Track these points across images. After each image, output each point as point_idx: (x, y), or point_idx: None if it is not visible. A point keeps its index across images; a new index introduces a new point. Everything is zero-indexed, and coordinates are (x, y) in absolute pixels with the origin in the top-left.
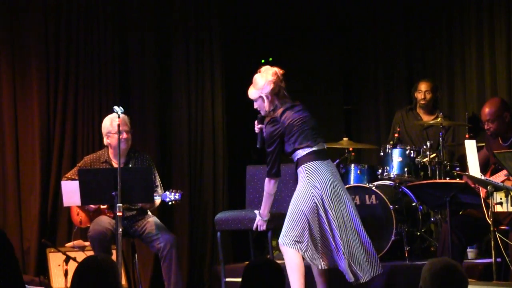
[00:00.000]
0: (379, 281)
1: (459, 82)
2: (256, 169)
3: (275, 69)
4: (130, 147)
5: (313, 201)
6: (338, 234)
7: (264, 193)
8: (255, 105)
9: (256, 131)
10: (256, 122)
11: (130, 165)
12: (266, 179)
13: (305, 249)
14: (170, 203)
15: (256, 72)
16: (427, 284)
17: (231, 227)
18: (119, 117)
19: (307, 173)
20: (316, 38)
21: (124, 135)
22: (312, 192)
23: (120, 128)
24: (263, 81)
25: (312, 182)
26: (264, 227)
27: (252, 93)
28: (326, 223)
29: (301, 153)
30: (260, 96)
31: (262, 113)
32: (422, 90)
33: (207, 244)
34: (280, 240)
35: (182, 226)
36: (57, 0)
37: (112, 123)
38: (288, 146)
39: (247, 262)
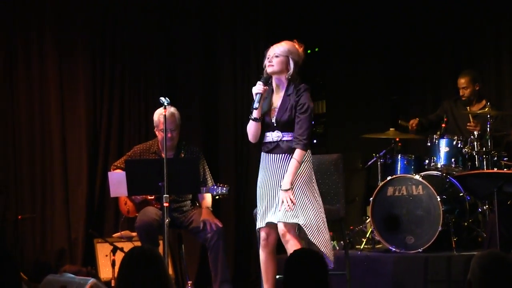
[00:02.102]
0: (426, 271)
1: (507, 70)
2: None
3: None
4: (179, 140)
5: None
6: None
7: (296, 163)
8: (274, 61)
9: (260, 92)
10: (261, 82)
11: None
12: (300, 151)
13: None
14: (217, 196)
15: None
16: (476, 278)
17: None
18: (165, 108)
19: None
20: (362, 28)
21: (169, 134)
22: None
23: (167, 126)
24: (295, 48)
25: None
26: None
27: (284, 49)
28: None
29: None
30: (288, 56)
31: (273, 69)
32: (460, 87)
33: (253, 236)
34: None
35: (228, 218)
36: None
37: (160, 118)
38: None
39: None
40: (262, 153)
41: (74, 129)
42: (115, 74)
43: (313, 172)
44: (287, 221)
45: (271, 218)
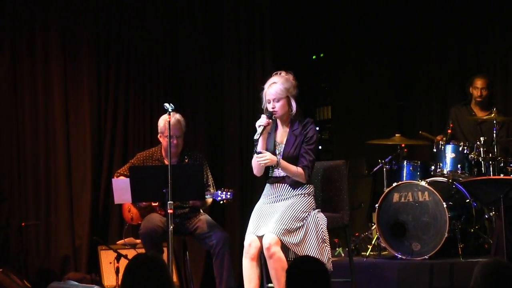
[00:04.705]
0: (432, 278)
1: None
2: None
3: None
4: (183, 146)
5: None
6: None
7: (294, 170)
8: (277, 106)
9: (264, 125)
10: (265, 116)
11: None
12: (304, 172)
13: None
14: (221, 202)
15: (279, 72)
16: (479, 286)
17: None
18: (169, 114)
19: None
20: (367, 33)
21: (174, 141)
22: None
23: (171, 132)
24: (289, 83)
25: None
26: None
27: (281, 91)
28: None
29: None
30: (288, 96)
31: (279, 114)
32: (478, 87)
33: None
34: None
35: (233, 225)
36: None
37: (165, 124)
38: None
39: None
40: (267, 184)
41: (78, 136)
42: (120, 79)
43: (315, 204)
44: (276, 235)
45: (262, 231)
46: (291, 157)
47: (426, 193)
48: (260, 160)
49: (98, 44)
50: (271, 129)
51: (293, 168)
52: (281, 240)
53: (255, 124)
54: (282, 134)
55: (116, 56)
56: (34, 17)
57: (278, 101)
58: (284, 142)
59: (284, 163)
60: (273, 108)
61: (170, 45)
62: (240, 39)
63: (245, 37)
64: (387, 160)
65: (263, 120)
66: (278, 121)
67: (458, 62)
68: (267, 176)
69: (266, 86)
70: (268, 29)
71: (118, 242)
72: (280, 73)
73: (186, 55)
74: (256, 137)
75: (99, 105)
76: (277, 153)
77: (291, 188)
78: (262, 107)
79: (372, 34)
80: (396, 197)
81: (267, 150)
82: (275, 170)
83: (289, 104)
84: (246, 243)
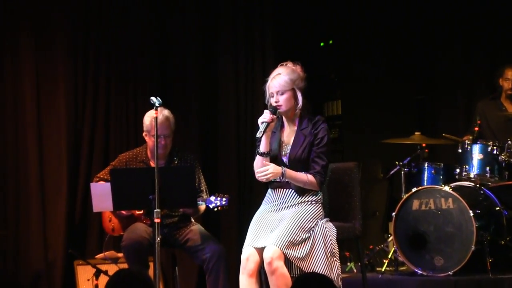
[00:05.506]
0: None
1: None
2: None
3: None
4: (172, 146)
5: None
6: None
7: (304, 178)
8: (281, 100)
9: (267, 121)
10: (269, 111)
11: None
12: (316, 179)
13: None
14: (215, 209)
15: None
16: None
17: None
18: (156, 109)
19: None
20: (383, 17)
21: (162, 141)
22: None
23: (159, 132)
24: (296, 74)
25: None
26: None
27: (286, 82)
28: None
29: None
30: (293, 88)
31: (283, 108)
32: (510, 78)
33: None
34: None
35: (229, 236)
36: None
37: (152, 122)
38: None
39: None
40: (269, 189)
41: (52, 132)
42: (100, 74)
43: (323, 213)
44: (278, 247)
45: (262, 242)
46: (299, 160)
47: (450, 199)
48: (261, 175)
49: (75, 36)
50: (276, 128)
51: (301, 176)
52: (284, 254)
53: (254, 121)
54: (288, 133)
55: (95, 47)
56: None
57: (282, 94)
58: (291, 143)
59: (290, 172)
60: (276, 102)
61: (157, 37)
62: (237, 26)
63: (243, 24)
64: (405, 162)
65: (266, 116)
66: (284, 119)
67: (486, 50)
68: (270, 181)
69: (270, 77)
70: (269, 13)
71: (97, 256)
72: (286, 64)
73: (175, 46)
74: (258, 135)
75: (76, 102)
76: (282, 154)
77: (296, 195)
78: (266, 102)
79: (388, 18)
80: (415, 204)
81: (271, 150)
82: None
83: (295, 98)
84: (243, 257)
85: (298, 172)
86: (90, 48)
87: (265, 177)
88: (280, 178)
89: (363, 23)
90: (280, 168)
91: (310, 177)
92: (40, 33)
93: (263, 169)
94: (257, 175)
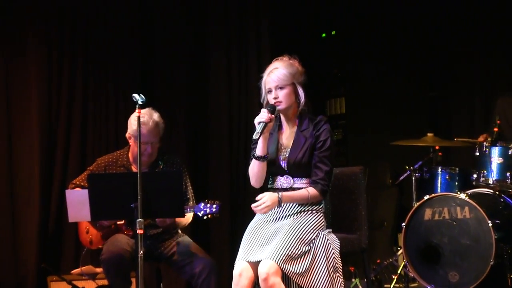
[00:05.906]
0: None
1: None
2: None
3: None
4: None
5: None
6: None
7: (306, 195)
8: (280, 96)
9: (265, 121)
10: (266, 110)
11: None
12: (317, 190)
13: None
14: (205, 217)
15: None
16: None
17: None
18: (139, 108)
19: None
20: (391, 5)
21: (149, 149)
22: None
23: (146, 139)
24: (294, 68)
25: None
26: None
27: (285, 76)
28: None
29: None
30: (293, 83)
31: (284, 105)
32: None
33: None
34: None
35: (220, 248)
36: None
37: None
38: None
39: None
40: None
41: (22, 132)
42: (77, 64)
43: (325, 223)
44: (275, 262)
45: (256, 256)
46: (299, 164)
47: (466, 208)
48: (257, 209)
49: (48, 30)
50: (273, 129)
51: (301, 195)
52: (281, 269)
53: (249, 121)
54: (288, 135)
55: (70, 34)
56: None
57: (281, 88)
58: (291, 146)
59: (287, 195)
60: (275, 98)
61: (140, 29)
62: (229, 16)
63: (235, 13)
64: (416, 166)
65: (264, 116)
66: (283, 119)
67: (506, 41)
68: (266, 187)
69: (265, 74)
70: (264, 1)
71: (73, 272)
72: (283, 58)
73: (161, 38)
74: (255, 136)
75: (50, 101)
76: (281, 158)
77: (295, 203)
78: (261, 101)
79: (397, 7)
80: (428, 213)
81: (268, 154)
82: (277, 179)
83: (296, 94)
84: (235, 272)
85: (296, 191)
86: (64, 38)
87: (262, 210)
88: (279, 206)
89: (370, 12)
90: (275, 194)
91: (311, 191)
92: (12, 33)
93: (258, 203)
94: (254, 209)
